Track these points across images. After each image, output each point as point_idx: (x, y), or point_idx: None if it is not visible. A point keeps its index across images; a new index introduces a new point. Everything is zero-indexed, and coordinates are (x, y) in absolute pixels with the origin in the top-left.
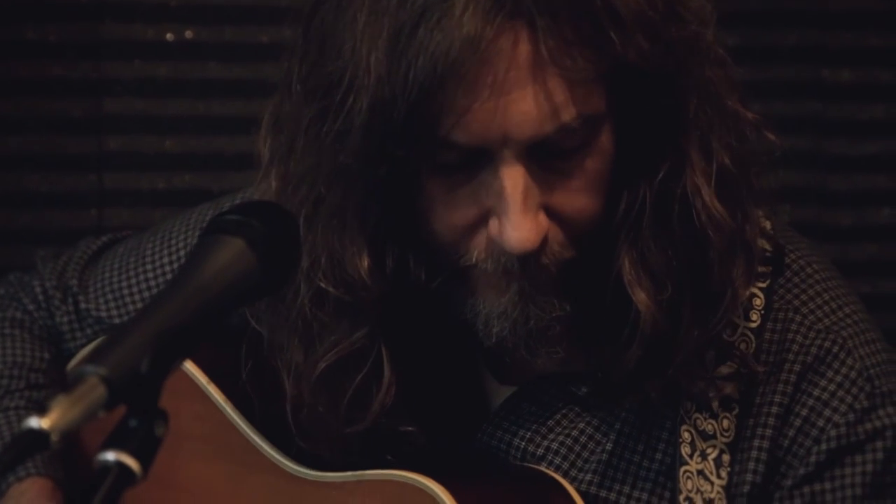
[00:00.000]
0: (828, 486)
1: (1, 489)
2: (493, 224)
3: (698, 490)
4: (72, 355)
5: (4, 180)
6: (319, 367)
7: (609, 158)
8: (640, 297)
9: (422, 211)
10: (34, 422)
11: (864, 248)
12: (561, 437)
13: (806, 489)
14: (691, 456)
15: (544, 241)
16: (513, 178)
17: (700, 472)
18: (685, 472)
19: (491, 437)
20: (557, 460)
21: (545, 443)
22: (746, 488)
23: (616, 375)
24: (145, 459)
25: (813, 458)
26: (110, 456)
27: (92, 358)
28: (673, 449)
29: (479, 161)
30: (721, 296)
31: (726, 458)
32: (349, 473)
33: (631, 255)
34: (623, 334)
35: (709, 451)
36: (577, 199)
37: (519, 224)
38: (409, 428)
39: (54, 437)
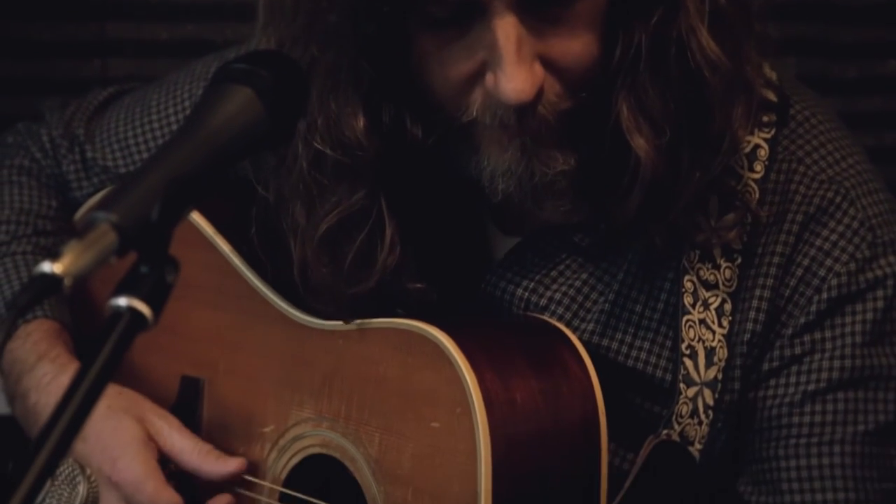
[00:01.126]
0: (828, 334)
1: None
2: (489, 78)
3: (700, 339)
4: (78, 204)
5: (8, 28)
6: (321, 229)
7: (602, 2)
8: (639, 142)
9: (417, 69)
10: (47, 266)
11: (870, 100)
12: (564, 288)
13: (806, 338)
14: (693, 305)
15: (540, 92)
16: (505, 30)
17: (702, 322)
18: (687, 321)
19: (495, 287)
20: (560, 310)
21: (548, 293)
22: (746, 336)
23: (619, 223)
24: (157, 305)
25: (813, 307)
26: (122, 301)
27: (103, 205)
28: (675, 299)
29: (470, 14)
30: (720, 138)
31: (728, 307)
32: (354, 322)
33: (629, 101)
34: (624, 181)
35: (710, 300)
36: (571, 46)
37: (513, 75)
38: (417, 285)
39: (67, 282)
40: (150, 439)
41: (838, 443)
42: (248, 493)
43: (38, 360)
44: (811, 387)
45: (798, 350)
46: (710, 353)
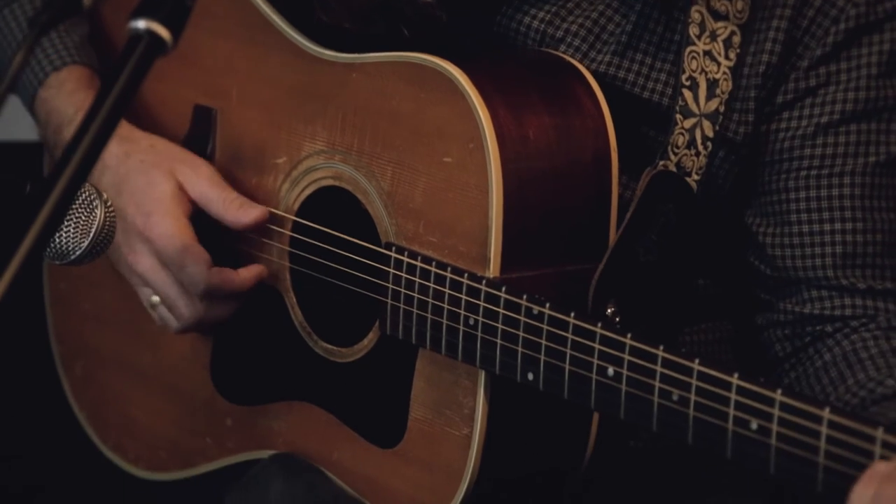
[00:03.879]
0: (843, 65)
1: (39, 78)
2: None
3: (703, 70)
4: None
5: None
6: None
7: None
8: None
9: None
10: None
11: None
12: (581, 20)
13: (822, 69)
14: (699, 37)
15: None
16: None
17: (707, 53)
18: (690, 52)
19: (511, 19)
20: (577, 42)
21: (565, 25)
22: (762, 68)
23: None
24: (176, 29)
25: (830, 39)
26: (141, 24)
27: None
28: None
29: None
30: None
31: (736, 39)
32: (369, 55)
33: None
34: None
35: (719, 31)
36: None
37: None
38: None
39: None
40: (181, 190)
41: (848, 174)
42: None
43: (76, 111)
44: (824, 119)
45: (813, 82)
46: (712, 84)
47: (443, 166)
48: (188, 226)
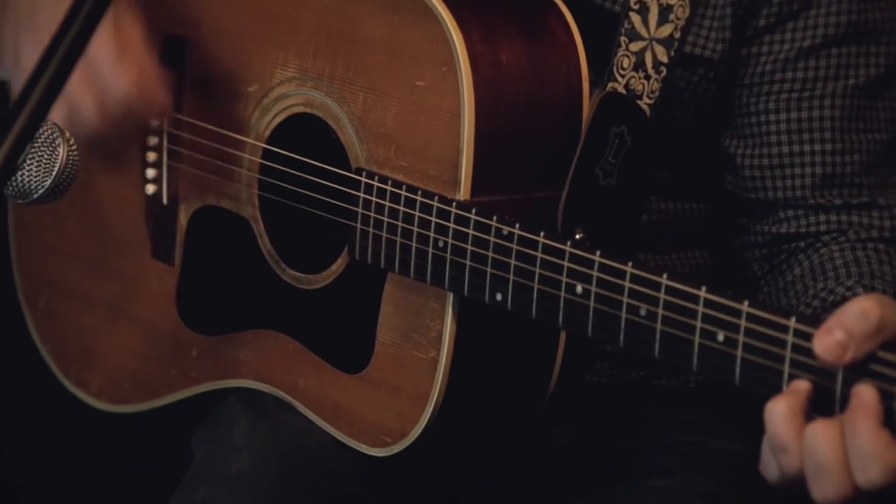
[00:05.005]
0: None
1: None
2: None
3: None
4: None
5: None
6: None
7: None
8: None
9: None
10: None
11: None
12: None
13: None
14: None
15: None
16: None
17: None
18: None
19: None
20: None
21: None
22: None
23: None
24: None
25: None
26: None
27: None
28: None
29: None
30: None
31: None
32: None
33: None
34: None
35: None
36: None
37: None
38: None
39: None
40: None
41: (829, 96)
42: (231, 150)
43: None
44: (806, 43)
45: (795, 6)
46: (664, 10)
47: (415, 90)
48: None
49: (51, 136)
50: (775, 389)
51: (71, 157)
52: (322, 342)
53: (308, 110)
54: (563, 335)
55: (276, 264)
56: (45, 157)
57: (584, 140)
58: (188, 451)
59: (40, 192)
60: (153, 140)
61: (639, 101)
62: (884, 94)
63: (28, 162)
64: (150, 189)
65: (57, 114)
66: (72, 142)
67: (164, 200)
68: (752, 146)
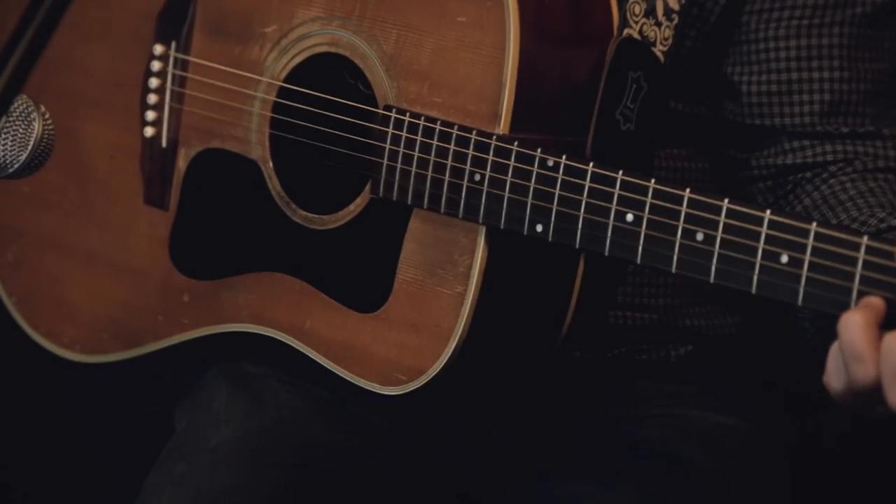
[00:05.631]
0: None
1: None
2: None
3: None
4: None
5: None
6: None
7: None
8: None
9: None
10: None
11: None
12: None
13: None
14: None
15: None
16: None
17: None
18: None
19: None
20: None
21: None
22: None
23: None
24: None
25: None
26: None
27: None
28: None
29: None
30: None
31: None
32: None
33: None
34: None
35: None
36: None
37: None
38: None
39: None
40: None
41: (837, 24)
42: (243, 90)
43: None
44: None
45: None
46: None
47: (455, 25)
48: None
49: (26, 111)
50: (842, 307)
51: (46, 131)
52: (333, 282)
53: (332, 49)
54: (580, 272)
55: (286, 206)
56: (21, 131)
57: (603, 84)
58: (170, 425)
59: (16, 166)
60: (155, 82)
61: (653, 49)
62: (889, 23)
63: (3, 137)
64: (149, 132)
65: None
66: (47, 115)
67: (164, 143)
68: (758, 72)
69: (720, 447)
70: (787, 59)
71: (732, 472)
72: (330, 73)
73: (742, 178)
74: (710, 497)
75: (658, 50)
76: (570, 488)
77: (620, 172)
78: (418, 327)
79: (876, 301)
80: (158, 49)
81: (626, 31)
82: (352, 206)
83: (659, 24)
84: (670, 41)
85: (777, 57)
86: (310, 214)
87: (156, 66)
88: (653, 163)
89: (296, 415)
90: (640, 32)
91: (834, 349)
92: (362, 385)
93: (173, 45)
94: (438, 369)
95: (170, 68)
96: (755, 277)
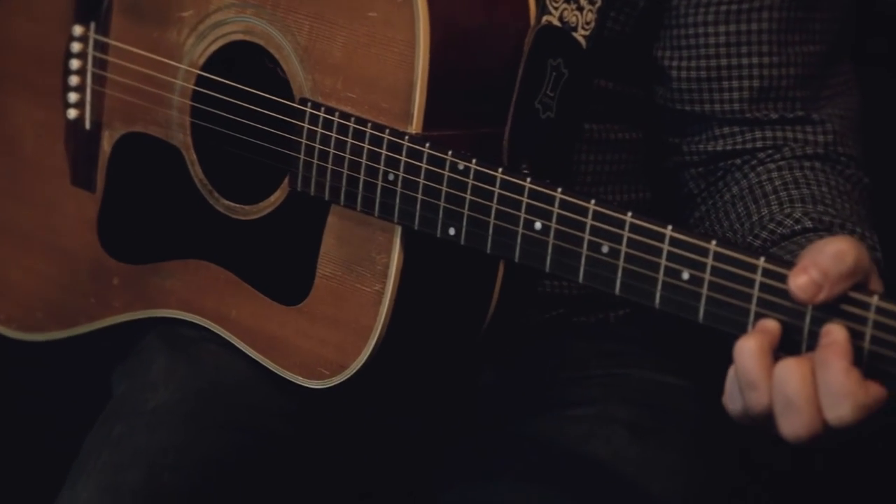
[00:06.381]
0: None
1: None
2: None
3: None
4: None
5: None
6: None
7: None
8: None
9: None
10: None
11: None
12: None
13: None
14: None
15: None
16: None
17: None
18: None
19: None
20: None
21: None
22: None
23: None
24: None
25: None
26: None
27: None
28: None
29: None
30: None
31: None
32: None
33: None
34: None
35: None
36: None
37: None
38: None
39: None
40: None
41: (766, 9)
42: (162, 76)
43: None
44: None
45: None
46: None
47: (367, 20)
48: None
49: None
50: (741, 329)
51: None
52: (258, 273)
53: (248, 38)
54: (500, 270)
55: (208, 194)
56: None
57: (522, 74)
58: (108, 389)
59: None
60: (76, 63)
61: (574, 34)
62: (819, 3)
63: None
64: (72, 114)
65: None
66: None
67: (87, 126)
68: (687, 58)
69: (662, 405)
70: (717, 45)
71: (675, 428)
72: (248, 61)
73: (675, 163)
74: (654, 452)
75: (580, 35)
76: (510, 449)
77: (528, 180)
78: (339, 323)
79: (771, 325)
80: (78, 30)
81: (545, 18)
82: (272, 198)
83: (581, 9)
84: (593, 25)
85: (706, 43)
86: (232, 204)
87: (76, 47)
88: (577, 148)
89: (235, 378)
90: (561, 18)
91: (731, 373)
92: (287, 377)
93: (92, 26)
94: (359, 366)
95: (90, 50)
96: (658, 293)
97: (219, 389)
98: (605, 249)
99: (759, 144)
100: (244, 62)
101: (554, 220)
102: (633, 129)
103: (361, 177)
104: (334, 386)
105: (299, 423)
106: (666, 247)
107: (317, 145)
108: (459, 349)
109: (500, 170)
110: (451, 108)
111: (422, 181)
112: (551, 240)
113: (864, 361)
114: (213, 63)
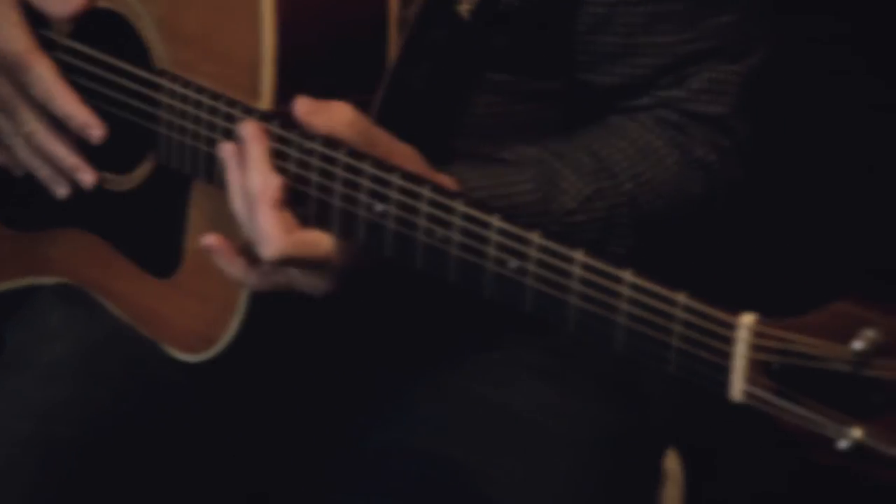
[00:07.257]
0: None
1: None
2: None
3: None
4: None
5: None
6: None
7: None
8: None
9: None
10: None
11: None
12: None
13: None
14: None
15: None
16: None
17: None
18: None
19: None
20: None
21: None
22: None
23: None
24: None
25: None
26: None
27: None
28: None
29: None
30: None
31: None
32: None
33: None
34: None
35: None
36: None
37: None
38: None
39: None
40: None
41: None
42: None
43: None
44: None
45: None
46: None
47: None
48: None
49: None
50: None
51: None
52: (131, 245)
53: (111, 6)
54: None
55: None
56: None
57: (405, 43)
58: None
59: None
60: None
61: (458, 6)
62: None
63: None
64: None
65: None
66: None
67: None
68: (594, 34)
69: (567, 349)
70: (627, 24)
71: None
72: (112, 30)
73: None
74: (561, 399)
75: (465, 8)
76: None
77: (369, 163)
78: (207, 298)
79: None
80: None
81: None
82: (141, 170)
83: None
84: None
85: (625, 22)
86: (106, 175)
87: None
88: (459, 120)
89: (132, 329)
90: None
91: None
92: (165, 349)
93: None
94: (228, 340)
95: None
96: (487, 282)
97: (114, 340)
98: (439, 235)
99: (645, 102)
100: (110, 31)
101: (392, 203)
102: (547, 81)
103: (217, 154)
104: (208, 360)
105: (195, 372)
106: (493, 236)
107: (176, 119)
108: (332, 323)
109: (344, 151)
110: (308, 79)
111: (275, 161)
112: (393, 226)
113: None
114: (82, 31)
